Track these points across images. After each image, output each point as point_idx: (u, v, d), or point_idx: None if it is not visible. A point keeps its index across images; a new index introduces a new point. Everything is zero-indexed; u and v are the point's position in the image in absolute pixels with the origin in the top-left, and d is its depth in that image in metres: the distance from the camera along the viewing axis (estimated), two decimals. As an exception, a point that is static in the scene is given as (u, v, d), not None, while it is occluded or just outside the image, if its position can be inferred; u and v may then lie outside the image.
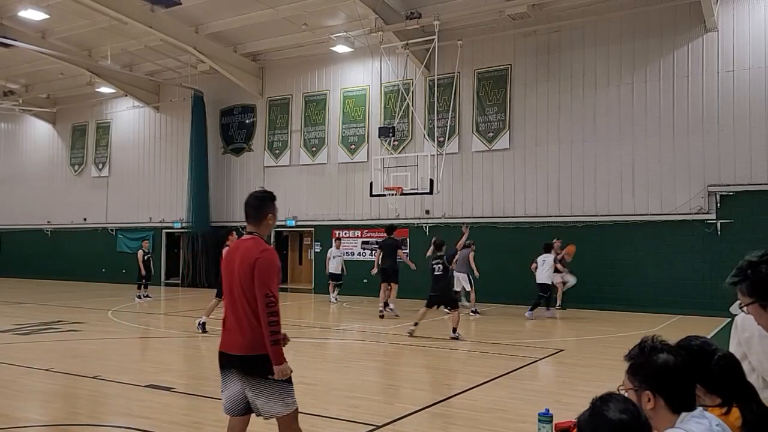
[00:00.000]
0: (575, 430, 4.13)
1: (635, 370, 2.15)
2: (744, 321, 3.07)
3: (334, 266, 18.19)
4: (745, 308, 2.54)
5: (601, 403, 1.95)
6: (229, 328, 4.02)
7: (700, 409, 2.11)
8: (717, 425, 2.08)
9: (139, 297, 18.56)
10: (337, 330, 13.57)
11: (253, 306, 3.90)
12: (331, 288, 18.36)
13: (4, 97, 27.65)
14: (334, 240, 19.27)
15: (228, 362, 4.01)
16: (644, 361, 2.13)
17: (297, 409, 4.05)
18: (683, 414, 2.08)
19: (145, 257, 19.12)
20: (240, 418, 4.04)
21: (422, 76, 19.62)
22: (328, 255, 18.39)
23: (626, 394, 2.15)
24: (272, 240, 23.31)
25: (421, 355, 10.19)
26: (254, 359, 3.89)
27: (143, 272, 18.84)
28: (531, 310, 14.85)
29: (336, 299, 18.18)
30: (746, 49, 15.86)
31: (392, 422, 5.33)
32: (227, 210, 24.28)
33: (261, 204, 4.17)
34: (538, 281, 15.12)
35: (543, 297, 15.09)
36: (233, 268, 4.00)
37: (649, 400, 2.09)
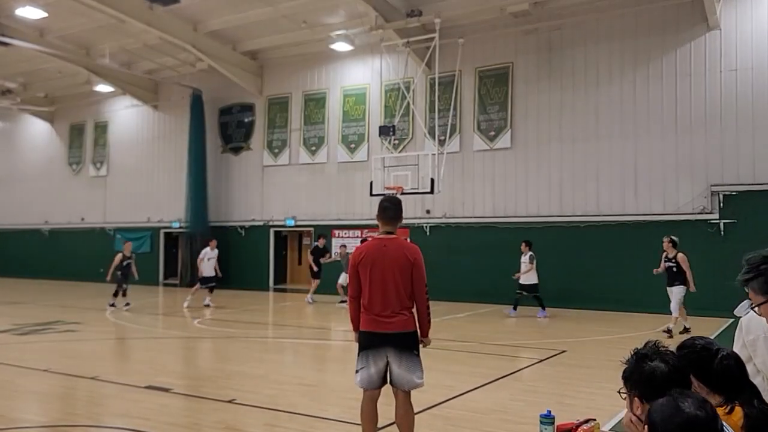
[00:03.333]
0: (577, 429, 4.06)
1: (626, 376, 2.20)
2: (749, 323, 3.04)
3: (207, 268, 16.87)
4: (756, 308, 2.48)
5: (680, 395, 1.92)
6: (379, 313, 4.72)
7: None
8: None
9: (112, 305, 16.10)
10: (336, 331, 13.49)
11: (407, 293, 4.74)
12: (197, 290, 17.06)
13: (2, 96, 27.55)
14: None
15: (383, 340, 4.71)
16: (634, 368, 2.17)
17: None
18: None
19: (124, 262, 16.46)
20: (378, 390, 4.84)
21: (423, 74, 19.53)
22: (202, 256, 17.07)
23: (624, 398, 2.20)
24: (271, 241, 23.27)
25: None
26: (408, 335, 4.78)
27: (118, 278, 16.35)
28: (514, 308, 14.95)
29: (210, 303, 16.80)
30: (749, 47, 15.79)
31: (392, 424, 5.25)
32: (226, 209, 24.20)
33: (399, 208, 5.04)
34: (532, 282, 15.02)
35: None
36: (386, 263, 4.71)
37: (637, 406, 2.11)
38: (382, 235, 4.89)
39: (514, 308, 15.09)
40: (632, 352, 2.22)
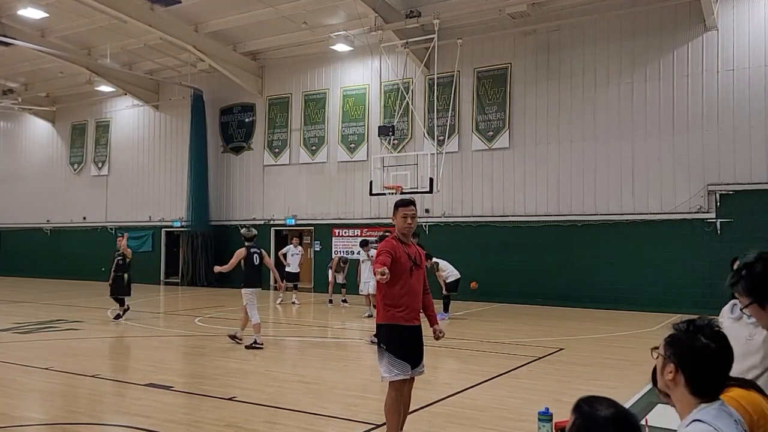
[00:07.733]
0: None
1: (672, 341, 2.15)
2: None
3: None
4: (745, 309, 2.59)
5: (589, 406, 1.93)
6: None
7: (720, 401, 2.08)
8: (736, 420, 2.05)
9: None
10: (336, 329, 13.56)
11: (380, 291, 5.17)
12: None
13: (4, 95, 27.64)
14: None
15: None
16: (684, 337, 2.12)
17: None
18: (702, 405, 2.05)
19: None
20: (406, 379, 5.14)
21: (422, 74, 19.60)
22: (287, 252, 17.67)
23: (656, 357, 2.18)
24: (272, 239, 23.32)
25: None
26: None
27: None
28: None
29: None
30: (746, 48, 15.86)
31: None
32: (227, 209, 24.28)
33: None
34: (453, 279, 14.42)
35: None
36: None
37: (671, 372, 2.10)
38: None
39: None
40: (687, 321, 2.17)
